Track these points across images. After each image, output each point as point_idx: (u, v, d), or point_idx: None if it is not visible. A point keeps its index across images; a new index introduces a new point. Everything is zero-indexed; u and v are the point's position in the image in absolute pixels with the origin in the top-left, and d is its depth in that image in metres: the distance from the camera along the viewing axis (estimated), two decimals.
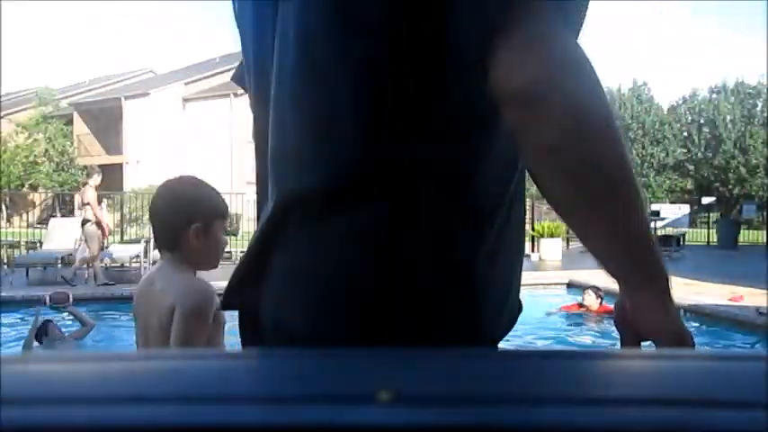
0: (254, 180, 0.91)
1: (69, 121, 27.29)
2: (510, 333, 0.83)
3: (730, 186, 31.26)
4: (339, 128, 0.71)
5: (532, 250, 11.67)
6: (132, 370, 0.46)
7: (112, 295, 7.18)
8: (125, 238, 12.61)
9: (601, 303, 6.06)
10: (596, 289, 6.16)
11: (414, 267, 0.72)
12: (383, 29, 0.69)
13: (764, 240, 17.19)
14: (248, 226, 18.53)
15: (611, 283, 0.73)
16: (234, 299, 0.83)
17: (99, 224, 7.87)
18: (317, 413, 0.36)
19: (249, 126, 0.89)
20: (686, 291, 7.03)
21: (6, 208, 24.88)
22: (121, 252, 9.04)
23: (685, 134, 34.38)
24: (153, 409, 0.36)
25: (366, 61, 0.70)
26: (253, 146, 0.87)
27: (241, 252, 16.05)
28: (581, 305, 6.25)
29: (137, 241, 9.60)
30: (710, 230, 18.38)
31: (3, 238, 11.31)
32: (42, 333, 4.84)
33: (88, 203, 7.78)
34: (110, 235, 8.84)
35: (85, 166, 17.93)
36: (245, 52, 0.88)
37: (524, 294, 0.87)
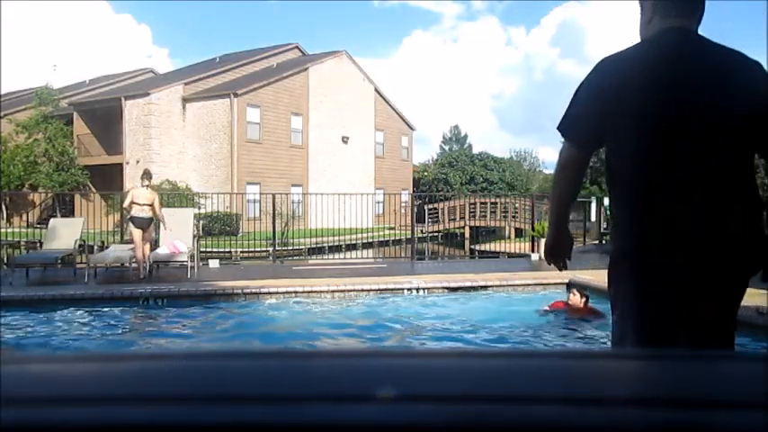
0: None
1: (69, 121, 27.25)
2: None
3: None
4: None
5: (532, 250, 11.67)
6: (132, 370, 0.46)
7: (112, 295, 7.18)
8: (125, 238, 12.57)
9: (586, 303, 6.05)
10: (581, 288, 6.18)
11: None
12: None
13: None
14: (248, 226, 18.47)
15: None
16: None
17: (156, 222, 8.47)
18: (317, 412, 0.36)
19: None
20: None
21: (6, 208, 24.87)
22: (121, 252, 9.03)
23: None
24: (153, 409, 0.36)
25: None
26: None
27: (241, 252, 15.72)
28: (566, 303, 6.24)
29: None
30: None
31: (3, 238, 11.30)
32: None
33: (151, 204, 8.26)
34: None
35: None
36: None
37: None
